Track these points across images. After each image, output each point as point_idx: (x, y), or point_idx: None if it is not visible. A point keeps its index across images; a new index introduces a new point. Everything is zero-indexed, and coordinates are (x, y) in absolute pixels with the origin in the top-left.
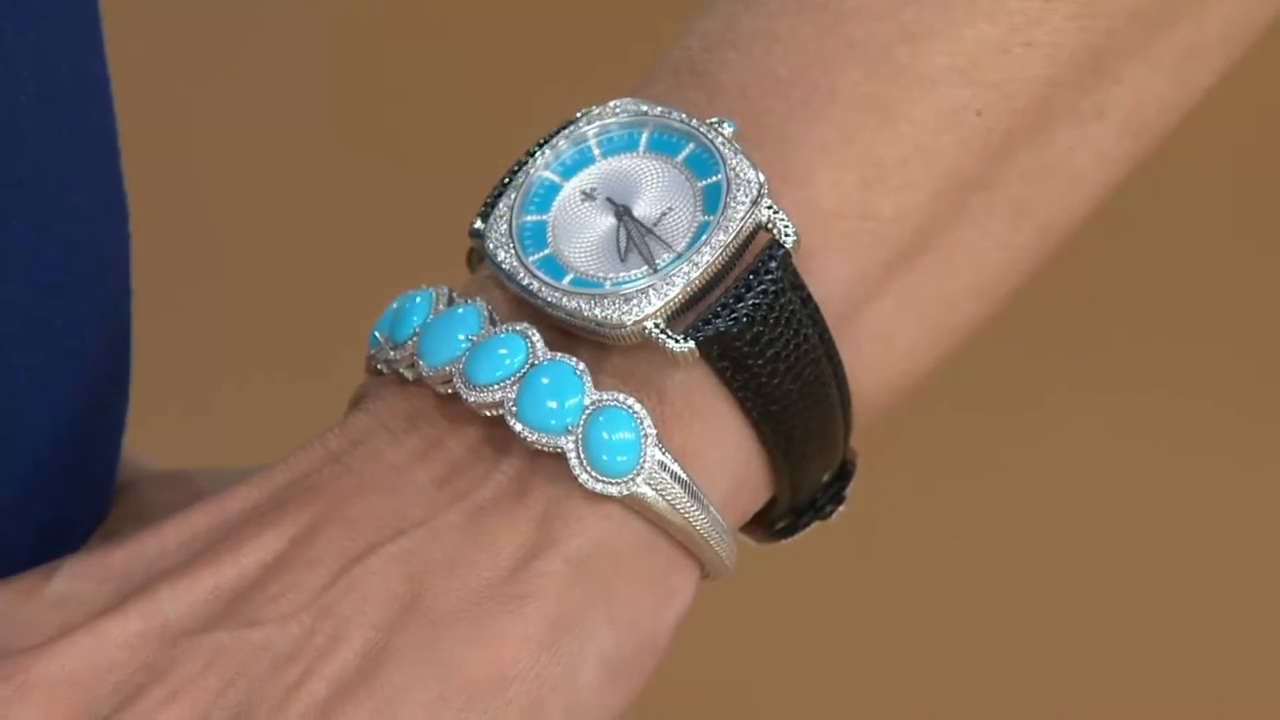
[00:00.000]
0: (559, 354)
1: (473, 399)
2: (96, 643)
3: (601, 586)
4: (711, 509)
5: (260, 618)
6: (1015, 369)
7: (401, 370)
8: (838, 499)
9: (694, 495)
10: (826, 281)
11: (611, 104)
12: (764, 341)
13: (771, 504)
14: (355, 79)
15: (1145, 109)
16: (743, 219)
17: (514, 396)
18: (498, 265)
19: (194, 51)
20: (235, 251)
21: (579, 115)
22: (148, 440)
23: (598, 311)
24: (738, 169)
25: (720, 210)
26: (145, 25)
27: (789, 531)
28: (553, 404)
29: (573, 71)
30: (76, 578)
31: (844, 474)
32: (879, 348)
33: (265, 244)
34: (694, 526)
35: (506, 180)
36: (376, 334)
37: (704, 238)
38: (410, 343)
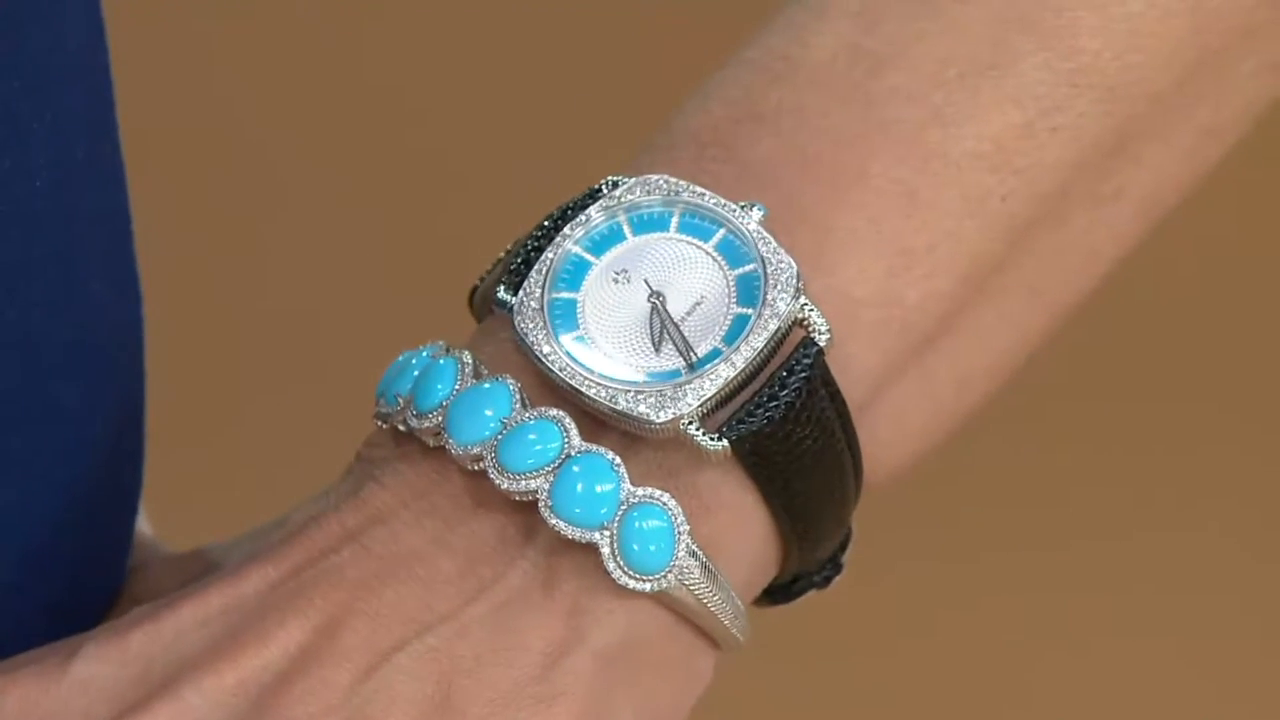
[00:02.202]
0: (593, 446)
1: (505, 486)
2: None
3: (628, 679)
4: (734, 597)
5: (289, 718)
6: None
7: (425, 439)
8: (835, 566)
9: (719, 585)
10: (852, 371)
11: (641, 179)
12: (794, 440)
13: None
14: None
15: (1161, 189)
16: (782, 318)
17: (548, 488)
18: (528, 346)
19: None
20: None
21: (603, 185)
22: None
23: (633, 407)
24: (773, 262)
25: (758, 308)
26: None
27: (785, 598)
28: (588, 499)
29: (575, 83)
30: (96, 660)
31: (842, 543)
32: (894, 431)
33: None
34: (717, 616)
35: (530, 248)
36: (395, 394)
37: (742, 336)
38: (436, 414)
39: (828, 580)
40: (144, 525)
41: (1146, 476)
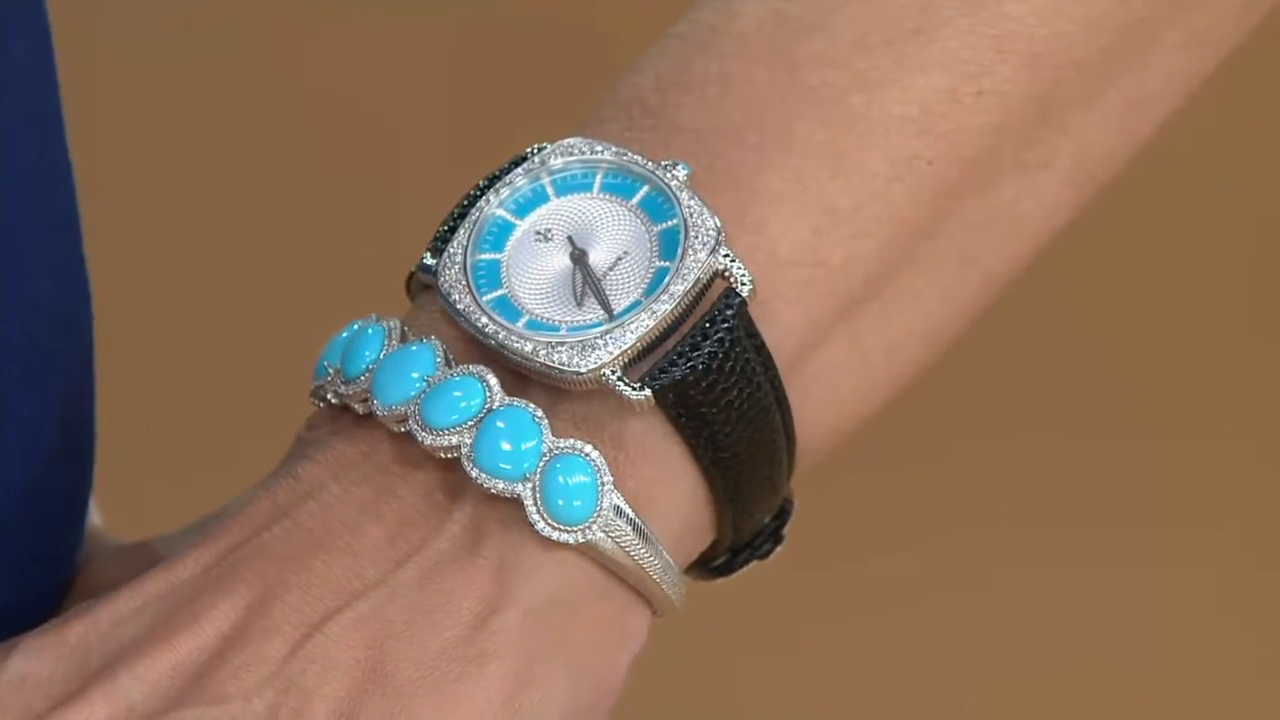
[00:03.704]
0: (516, 399)
1: (428, 442)
2: None
3: (559, 636)
4: (663, 552)
5: (224, 694)
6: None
7: (353, 405)
8: (775, 538)
9: (647, 540)
10: (778, 328)
11: (565, 142)
12: (718, 390)
13: (712, 544)
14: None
15: (1089, 159)
16: (701, 268)
17: (470, 442)
18: (451, 304)
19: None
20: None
21: (530, 151)
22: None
23: (554, 357)
24: (694, 214)
25: (678, 258)
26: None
27: (726, 570)
28: (510, 450)
29: (557, 83)
30: (34, 655)
31: (782, 514)
32: (825, 393)
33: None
34: (647, 571)
35: (457, 215)
36: (326, 364)
37: (662, 286)
38: (363, 378)
39: (768, 552)
40: (94, 515)
41: (1124, 466)
